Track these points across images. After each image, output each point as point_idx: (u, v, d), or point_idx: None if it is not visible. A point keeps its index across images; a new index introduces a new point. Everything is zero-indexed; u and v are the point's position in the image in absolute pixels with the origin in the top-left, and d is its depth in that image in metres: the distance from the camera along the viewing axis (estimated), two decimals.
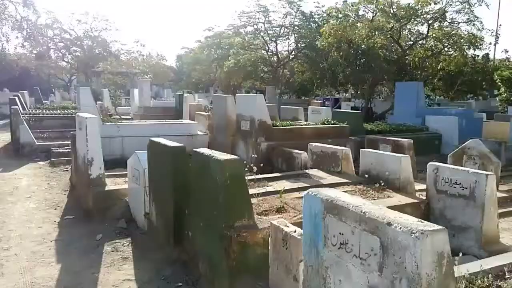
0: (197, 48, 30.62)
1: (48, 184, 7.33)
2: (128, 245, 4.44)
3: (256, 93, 22.42)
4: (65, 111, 12.61)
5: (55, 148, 9.67)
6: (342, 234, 1.89)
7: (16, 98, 11.56)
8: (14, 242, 4.50)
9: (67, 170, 8.39)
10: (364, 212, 1.77)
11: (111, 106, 14.78)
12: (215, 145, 8.21)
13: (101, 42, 29.70)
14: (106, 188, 5.47)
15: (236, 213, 3.34)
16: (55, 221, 5.28)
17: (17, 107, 10.61)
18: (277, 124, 7.65)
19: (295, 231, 2.89)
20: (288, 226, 3.02)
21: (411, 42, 16.61)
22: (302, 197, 4.50)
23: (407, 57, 15.59)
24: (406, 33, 16.42)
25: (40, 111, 12.76)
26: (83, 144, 5.60)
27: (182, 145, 4.09)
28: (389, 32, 14.46)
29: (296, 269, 2.74)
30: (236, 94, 9.72)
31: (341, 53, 14.53)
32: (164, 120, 9.71)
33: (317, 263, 2.07)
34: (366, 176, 4.90)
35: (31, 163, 9.13)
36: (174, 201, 4.02)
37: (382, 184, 4.61)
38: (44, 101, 20.79)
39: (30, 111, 12.94)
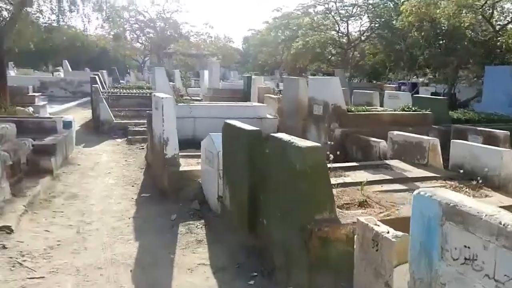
0: (264, 30, 30.34)
1: (126, 161, 7.65)
2: (201, 227, 4.42)
3: (323, 76, 21.74)
4: (140, 90, 13.13)
5: (131, 126, 10.10)
6: (468, 247, 1.57)
7: (97, 77, 12.24)
8: (96, 216, 4.69)
9: (143, 148, 8.71)
10: (504, 225, 1.43)
11: (182, 87, 15.17)
12: (285, 129, 7.97)
13: (173, 24, 30.62)
14: (181, 169, 5.51)
15: (317, 205, 3.11)
16: (132, 198, 5.45)
17: (97, 85, 11.22)
18: (352, 109, 7.21)
19: (388, 232, 2.59)
20: (378, 225, 2.72)
21: (503, 22, 14.83)
22: (386, 191, 4.16)
23: (498, 38, 13.95)
24: (498, 11, 14.67)
25: (117, 90, 13.42)
26: (159, 124, 5.67)
27: (258, 129, 3.92)
28: (480, 10, 12.98)
29: (389, 274, 2.46)
30: (308, 77, 9.35)
31: (422, 33, 13.36)
32: (234, 102, 9.67)
33: (429, 276, 1.77)
34: (461, 171, 4.38)
35: (110, 140, 9.63)
36: (249, 187, 3.89)
37: (480, 181, 4.08)
38: (120, 81, 22.02)
39: (109, 90, 13.67)
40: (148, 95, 13.12)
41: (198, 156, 6.54)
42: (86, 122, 11.95)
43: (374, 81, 22.93)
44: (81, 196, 5.44)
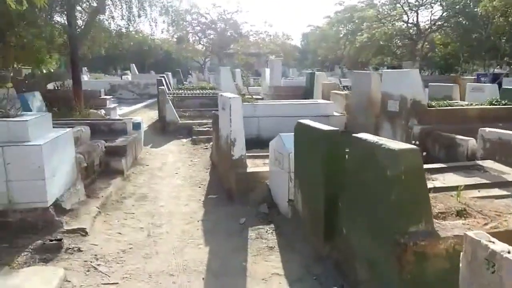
0: (326, 24, 29.53)
1: (191, 161, 7.66)
2: (271, 232, 4.17)
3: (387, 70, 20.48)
4: (203, 91, 13.27)
5: (195, 126, 10.18)
6: None
7: (163, 79, 12.56)
8: (165, 219, 4.64)
9: (207, 148, 8.71)
10: None
11: (243, 86, 15.13)
12: (354, 127, 7.52)
13: (233, 24, 30.91)
14: (248, 170, 5.31)
15: (412, 215, 2.70)
16: (200, 200, 5.36)
17: (163, 87, 11.48)
18: (433, 104, 6.55)
19: (509, 252, 2.12)
20: (493, 242, 2.26)
21: None
22: (485, 197, 3.60)
23: None
24: None
25: (182, 91, 13.69)
26: (226, 124, 5.52)
27: (336, 128, 3.57)
28: None
29: None
30: (383, 70, 8.73)
31: (509, 19, 11.93)
32: (298, 100, 9.33)
33: None
34: None
35: (175, 140, 9.77)
36: (326, 192, 3.55)
37: None
38: (184, 82, 22.65)
39: (174, 91, 14.00)
40: (211, 95, 13.25)
41: (264, 157, 6.34)
42: (153, 123, 12.30)
43: (447, 73, 21.23)
44: (150, 197, 5.46)
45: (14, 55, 13.28)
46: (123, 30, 12.28)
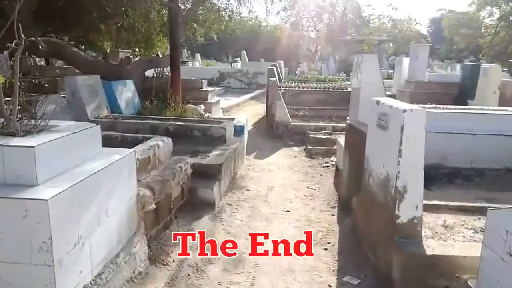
0: (472, 5, 24.24)
1: (308, 188, 5.42)
2: None
3: None
4: (321, 84, 10.87)
5: (311, 131, 7.94)
6: None
7: (274, 68, 10.49)
8: None
9: (328, 166, 6.42)
10: None
11: None
12: None
13: (354, 7, 27.56)
14: (428, 251, 2.82)
15: None
16: (329, 286, 3.07)
17: (275, 79, 9.40)
18: None
19: None
20: None
21: None
22: None
23: None
24: None
25: (296, 84, 11.47)
26: (385, 155, 3.12)
27: None
28: None
29: None
30: None
31: None
32: (488, 108, 6.21)
33: None
34: None
35: (285, 148, 7.68)
36: None
37: None
38: (295, 72, 20.46)
39: (285, 83, 11.89)
40: (331, 90, 10.82)
41: (445, 210, 3.76)
42: (258, 121, 10.41)
43: None
44: (248, 264, 3.36)
45: (123, 37, 12.60)
46: (234, 9, 10.65)
